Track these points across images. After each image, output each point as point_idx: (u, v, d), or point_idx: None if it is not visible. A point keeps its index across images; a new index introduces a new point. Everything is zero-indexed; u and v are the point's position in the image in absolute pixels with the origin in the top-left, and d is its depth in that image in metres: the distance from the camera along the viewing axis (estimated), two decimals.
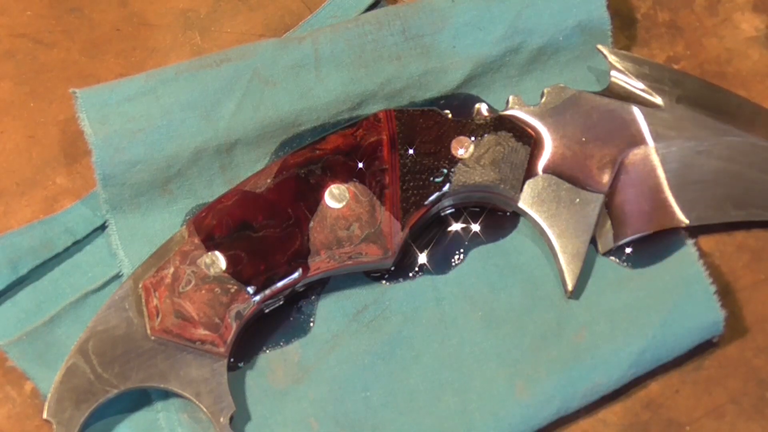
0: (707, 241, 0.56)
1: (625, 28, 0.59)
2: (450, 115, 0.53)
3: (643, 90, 0.54)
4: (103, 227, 0.54)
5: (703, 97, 0.55)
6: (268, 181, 0.51)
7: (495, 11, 0.55)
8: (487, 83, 0.56)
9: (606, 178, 0.53)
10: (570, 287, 0.52)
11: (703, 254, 0.55)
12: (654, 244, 0.54)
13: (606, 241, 0.54)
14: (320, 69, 0.54)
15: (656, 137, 0.54)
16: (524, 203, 0.53)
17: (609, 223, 0.54)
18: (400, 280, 0.53)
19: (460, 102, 0.55)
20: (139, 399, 0.51)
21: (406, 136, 0.52)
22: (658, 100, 0.54)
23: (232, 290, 0.50)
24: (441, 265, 0.54)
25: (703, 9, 0.60)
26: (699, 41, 0.59)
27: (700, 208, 0.54)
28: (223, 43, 0.58)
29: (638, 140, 0.54)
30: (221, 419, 0.49)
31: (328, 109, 0.54)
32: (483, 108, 0.53)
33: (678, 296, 0.53)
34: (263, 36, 0.58)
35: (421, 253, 0.54)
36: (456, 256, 0.54)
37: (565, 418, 0.52)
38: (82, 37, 0.58)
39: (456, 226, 0.54)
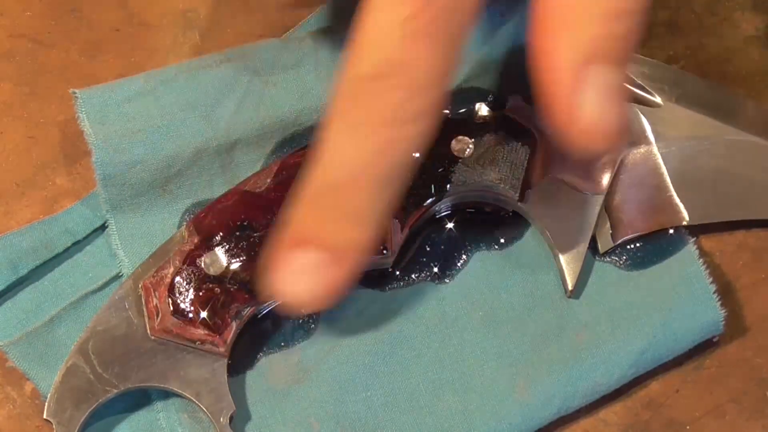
0: (707, 241, 0.56)
1: None
2: (450, 116, 0.53)
3: (643, 89, 0.55)
4: (103, 227, 0.54)
5: (703, 97, 0.55)
6: (268, 180, 0.51)
7: (495, 11, 0.55)
8: (487, 83, 0.56)
9: (606, 177, 0.53)
10: (570, 287, 0.52)
11: (703, 253, 0.55)
12: (654, 244, 0.54)
13: (606, 241, 0.54)
14: (320, 69, 0.54)
15: (656, 137, 0.54)
16: (523, 204, 0.53)
17: (609, 222, 0.54)
18: (401, 280, 0.53)
19: (461, 101, 0.55)
20: (139, 399, 0.51)
21: None
22: (657, 99, 0.54)
23: (232, 290, 0.50)
24: (441, 265, 0.54)
25: (703, 8, 0.60)
26: (699, 41, 0.59)
27: (700, 207, 0.54)
28: (223, 44, 0.58)
29: (638, 140, 0.54)
30: (221, 419, 0.49)
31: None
32: (483, 108, 0.53)
33: (678, 296, 0.53)
34: (263, 36, 0.58)
35: (421, 253, 0.54)
36: (457, 257, 0.54)
37: (565, 417, 0.52)
38: (82, 38, 0.58)
39: (456, 227, 0.54)
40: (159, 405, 0.51)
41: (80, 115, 0.52)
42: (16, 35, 0.58)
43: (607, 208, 0.54)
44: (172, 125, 0.52)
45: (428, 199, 0.52)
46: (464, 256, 0.54)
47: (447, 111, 0.53)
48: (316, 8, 0.57)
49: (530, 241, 0.54)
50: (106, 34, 0.58)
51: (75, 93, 0.52)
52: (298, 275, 0.44)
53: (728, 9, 0.60)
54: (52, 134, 0.56)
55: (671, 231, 0.54)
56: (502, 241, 0.54)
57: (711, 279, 0.53)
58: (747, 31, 0.60)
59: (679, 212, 0.54)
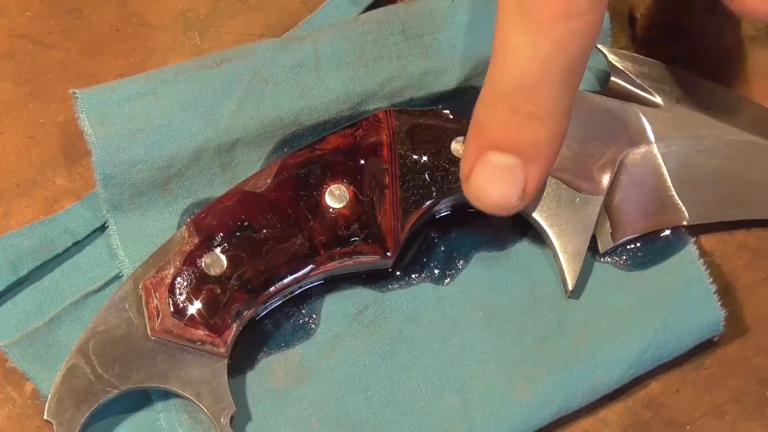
0: (707, 241, 0.56)
1: (625, 28, 0.59)
2: (450, 116, 0.53)
3: (643, 89, 0.55)
4: (103, 228, 0.54)
5: (703, 97, 0.55)
6: (268, 181, 0.51)
7: (494, 10, 0.55)
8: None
9: (606, 177, 0.53)
10: (570, 287, 0.52)
11: (703, 253, 0.55)
12: (654, 244, 0.54)
13: (606, 241, 0.54)
14: (320, 69, 0.54)
15: (656, 137, 0.54)
16: None
17: (609, 222, 0.54)
18: (401, 280, 0.53)
19: (461, 101, 0.55)
20: (139, 399, 0.51)
21: (406, 136, 0.52)
22: (658, 99, 0.54)
23: (233, 290, 0.50)
24: (441, 266, 0.54)
25: (703, 9, 0.60)
26: (699, 41, 0.59)
27: (700, 207, 0.54)
28: (223, 44, 0.58)
29: (638, 140, 0.54)
30: (222, 420, 0.49)
31: (328, 109, 0.54)
32: None
33: (678, 296, 0.53)
34: (263, 36, 0.58)
35: (421, 254, 0.54)
36: (457, 258, 0.54)
37: (565, 417, 0.53)
38: (82, 38, 0.58)
39: (456, 228, 0.54)
40: (159, 405, 0.51)
41: (80, 115, 0.52)
42: (16, 35, 0.58)
43: (608, 208, 0.54)
44: (172, 125, 0.52)
45: (428, 199, 0.52)
46: (464, 257, 0.54)
47: (447, 111, 0.53)
48: (316, 8, 0.57)
49: (530, 241, 0.54)
50: (106, 34, 0.58)
51: (75, 93, 0.52)
52: (492, 178, 0.46)
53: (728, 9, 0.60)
54: (52, 134, 0.56)
55: (672, 231, 0.54)
56: (502, 241, 0.54)
57: (711, 279, 0.54)
58: (747, 31, 0.60)
59: (679, 212, 0.54)
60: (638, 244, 0.54)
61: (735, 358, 0.55)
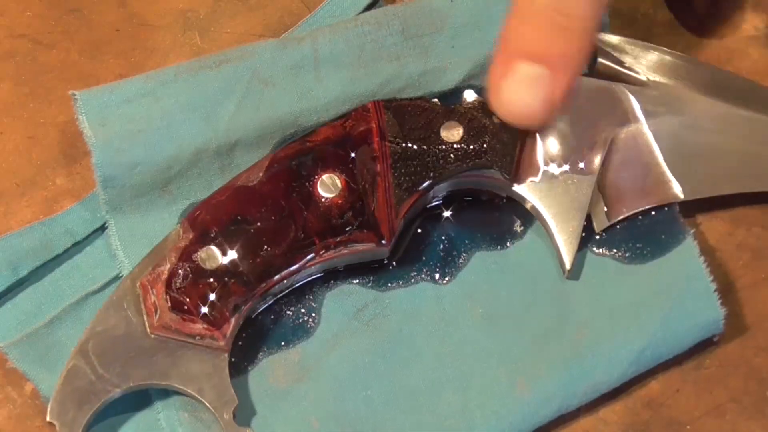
0: (708, 240, 0.56)
1: (625, 27, 0.59)
2: (439, 103, 0.53)
3: (629, 69, 0.55)
4: (102, 228, 0.54)
5: (688, 73, 0.56)
6: (260, 174, 0.51)
7: (493, 11, 0.55)
8: (485, 82, 0.56)
9: (597, 157, 0.53)
10: (568, 266, 0.52)
11: (703, 252, 0.55)
12: (654, 241, 0.54)
13: (601, 220, 0.54)
14: (319, 69, 0.54)
15: (645, 115, 0.54)
16: (517, 186, 0.53)
17: (603, 201, 0.54)
18: (401, 278, 0.53)
19: (460, 100, 0.55)
20: (140, 400, 0.51)
21: (395, 124, 0.52)
22: (643, 77, 0.55)
23: (229, 284, 0.50)
24: (441, 264, 0.54)
25: (703, 8, 0.60)
26: (699, 41, 0.59)
27: (692, 182, 0.54)
28: (223, 44, 0.58)
29: (628, 119, 0.54)
30: (225, 414, 0.49)
31: (328, 110, 0.54)
32: (471, 93, 0.53)
33: (678, 294, 0.53)
34: (262, 36, 0.59)
35: (420, 252, 0.54)
36: (456, 256, 0.54)
37: (565, 416, 0.52)
38: (82, 38, 0.58)
39: (455, 225, 0.54)
40: (159, 405, 0.51)
41: (80, 116, 0.52)
42: (16, 35, 0.58)
43: (601, 188, 0.54)
44: (172, 126, 0.52)
45: (421, 185, 0.52)
46: (464, 255, 0.54)
47: (435, 99, 0.53)
48: (314, 8, 0.57)
49: (529, 238, 0.54)
50: (106, 34, 0.58)
51: (74, 95, 0.52)
52: (522, 87, 0.48)
53: (728, 9, 0.60)
54: (52, 134, 0.56)
55: (671, 229, 0.54)
56: (501, 239, 0.54)
57: (712, 278, 0.53)
58: (747, 31, 0.60)
59: (672, 188, 0.54)
60: (638, 242, 0.54)
61: (735, 358, 0.55)
